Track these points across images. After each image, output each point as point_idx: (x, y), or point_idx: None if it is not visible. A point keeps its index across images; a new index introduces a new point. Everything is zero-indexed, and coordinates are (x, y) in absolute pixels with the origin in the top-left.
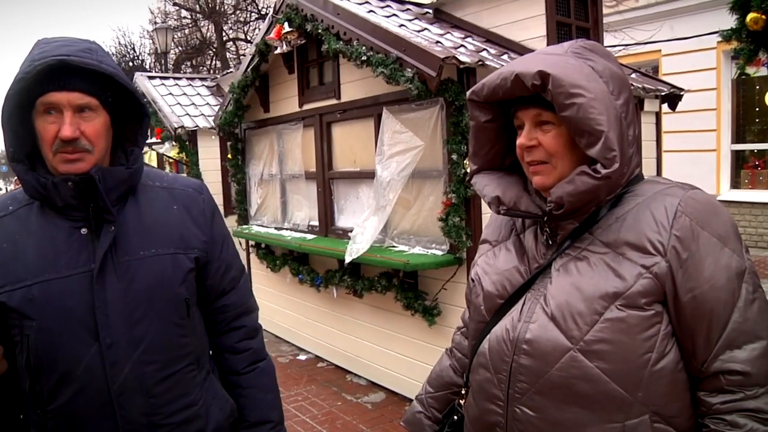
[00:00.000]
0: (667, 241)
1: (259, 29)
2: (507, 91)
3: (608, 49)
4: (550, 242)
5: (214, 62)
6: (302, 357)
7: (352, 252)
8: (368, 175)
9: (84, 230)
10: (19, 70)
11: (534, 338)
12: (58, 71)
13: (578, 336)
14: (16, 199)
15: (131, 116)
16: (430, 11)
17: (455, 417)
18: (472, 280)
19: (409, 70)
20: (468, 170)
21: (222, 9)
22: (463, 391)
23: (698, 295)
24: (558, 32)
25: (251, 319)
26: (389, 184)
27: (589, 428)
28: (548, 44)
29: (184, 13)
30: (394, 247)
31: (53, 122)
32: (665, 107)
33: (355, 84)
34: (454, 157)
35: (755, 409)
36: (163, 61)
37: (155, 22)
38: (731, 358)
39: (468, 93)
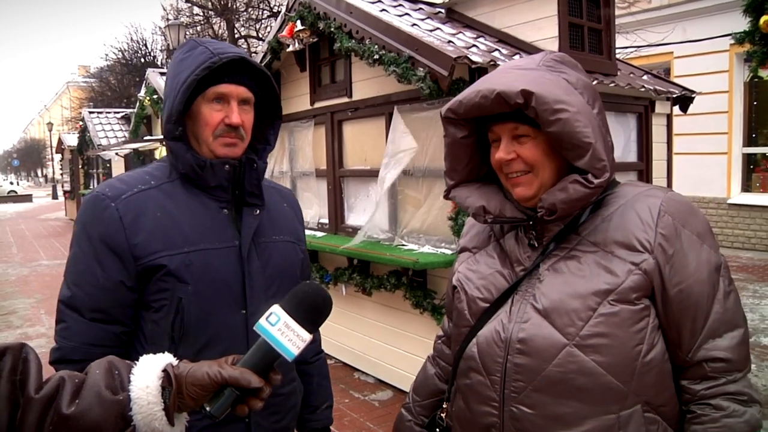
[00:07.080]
0: (654, 239)
1: (271, 27)
2: (486, 109)
3: (620, 50)
4: (536, 245)
5: None
6: None
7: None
8: (378, 174)
9: (225, 211)
10: (192, 60)
11: (528, 337)
12: (229, 67)
13: (574, 332)
14: (153, 175)
15: (265, 117)
16: (442, 11)
17: (437, 430)
18: (454, 287)
19: (421, 69)
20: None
21: (234, 6)
22: (444, 405)
23: (684, 288)
24: (570, 33)
25: None
26: (382, 182)
27: (586, 420)
28: (560, 45)
29: (196, 10)
30: (403, 245)
31: (219, 110)
32: (676, 109)
33: (367, 82)
34: None
35: (736, 392)
36: None
37: (167, 19)
38: (714, 347)
39: (443, 110)
